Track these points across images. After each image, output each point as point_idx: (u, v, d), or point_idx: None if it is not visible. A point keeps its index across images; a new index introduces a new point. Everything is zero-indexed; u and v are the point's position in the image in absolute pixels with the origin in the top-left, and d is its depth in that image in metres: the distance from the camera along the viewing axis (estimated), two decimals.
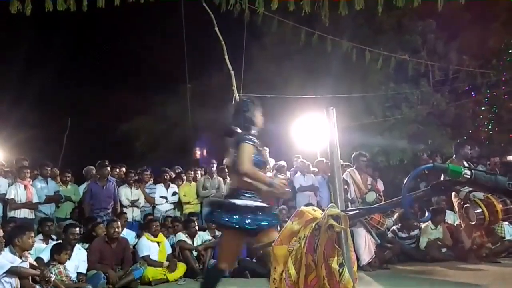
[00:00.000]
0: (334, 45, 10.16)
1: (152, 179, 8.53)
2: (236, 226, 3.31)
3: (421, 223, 7.57)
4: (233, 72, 11.58)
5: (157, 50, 15.70)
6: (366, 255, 6.66)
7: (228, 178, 8.38)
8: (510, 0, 11.38)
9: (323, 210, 2.57)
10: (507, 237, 7.27)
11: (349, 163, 7.30)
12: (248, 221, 3.32)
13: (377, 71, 12.27)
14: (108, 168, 7.76)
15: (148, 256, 6.62)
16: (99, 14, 8.53)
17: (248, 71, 13.64)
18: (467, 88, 14.75)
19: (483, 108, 14.86)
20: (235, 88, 11.57)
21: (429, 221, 7.48)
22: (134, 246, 6.87)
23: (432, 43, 14.18)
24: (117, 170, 8.41)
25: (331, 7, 7.70)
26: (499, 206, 3.83)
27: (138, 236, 7.08)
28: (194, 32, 14.54)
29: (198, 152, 18.04)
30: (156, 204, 8.24)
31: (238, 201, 3.37)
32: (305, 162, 8.96)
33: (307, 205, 6.73)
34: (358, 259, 6.13)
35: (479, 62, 13.87)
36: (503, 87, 14.35)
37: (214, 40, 11.82)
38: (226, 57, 11.69)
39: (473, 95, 14.96)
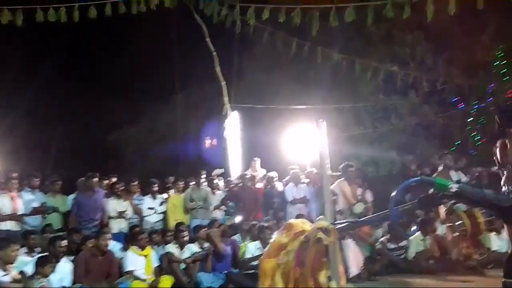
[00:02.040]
0: (324, 56, 10.22)
1: (139, 190, 8.42)
2: None
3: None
4: (224, 82, 11.59)
5: (147, 60, 15.65)
6: (355, 267, 6.65)
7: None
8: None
9: (312, 222, 2.57)
10: (494, 248, 7.31)
11: (340, 172, 7.32)
12: None
13: (367, 82, 12.36)
14: (95, 179, 7.67)
15: (132, 271, 6.50)
16: (90, 25, 8.53)
17: (239, 81, 13.70)
18: (455, 99, 14.91)
19: (470, 119, 15.01)
20: (226, 99, 11.57)
21: (418, 232, 7.51)
22: (121, 258, 6.76)
23: (421, 54, 14.35)
24: (106, 181, 8.30)
25: (321, 19, 7.75)
26: (481, 218, 3.87)
27: (125, 249, 6.97)
28: (185, 43, 14.59)
29: (187, 163, 17.93)
30: (144, 216, 8.13)
31: None
32: (297, 173, 8.91)
33: (298, 216, 6.74)
34: (346, 271, 6.12)
35: (467, 74, 14.04)
36: (490, 98, 14.52)
37: (205, 50, 11.86)
38: (218, 68, 11.71)
39: (461, 106, 15.12)
